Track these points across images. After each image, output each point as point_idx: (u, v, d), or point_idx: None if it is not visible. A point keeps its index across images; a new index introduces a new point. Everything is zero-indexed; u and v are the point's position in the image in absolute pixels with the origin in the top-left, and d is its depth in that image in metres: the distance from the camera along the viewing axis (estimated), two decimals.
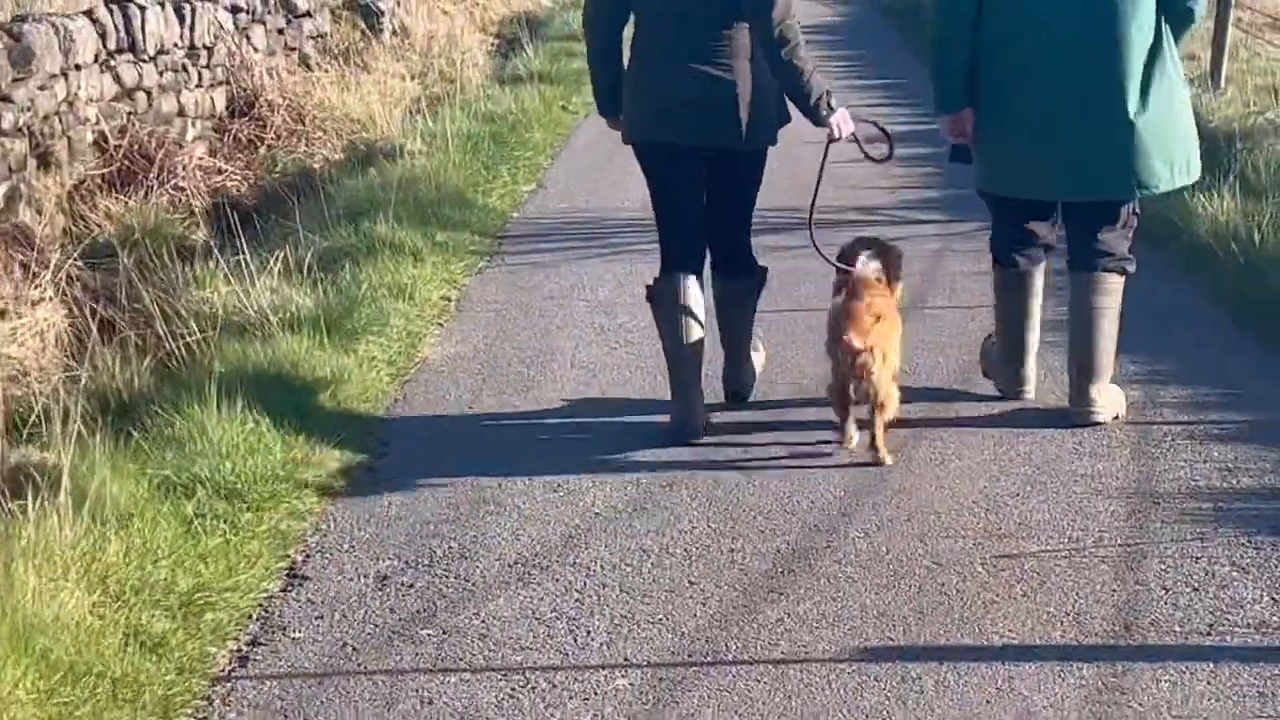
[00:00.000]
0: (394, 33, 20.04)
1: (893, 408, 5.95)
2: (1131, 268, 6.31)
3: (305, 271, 8.52)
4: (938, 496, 5.73)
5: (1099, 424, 6.25)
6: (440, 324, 8.25)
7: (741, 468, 6.05)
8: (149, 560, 5.09)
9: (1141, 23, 5.99)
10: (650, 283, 6.53)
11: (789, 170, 8.60)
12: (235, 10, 14.96)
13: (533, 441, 6.44)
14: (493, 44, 21.66)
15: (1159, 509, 5.56)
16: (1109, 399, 6.30)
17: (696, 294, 6.34)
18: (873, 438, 5.94)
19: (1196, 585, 4.95)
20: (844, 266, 6.18)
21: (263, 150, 13.93)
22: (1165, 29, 6.06)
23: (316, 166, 13.55)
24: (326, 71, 16.66)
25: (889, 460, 5.93)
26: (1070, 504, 5.62)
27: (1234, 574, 5.03)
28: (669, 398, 6.39)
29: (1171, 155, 6.12)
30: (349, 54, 17.81)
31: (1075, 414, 6.28)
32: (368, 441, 6.47)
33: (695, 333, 6.30)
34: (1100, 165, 6.08)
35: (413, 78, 17.80)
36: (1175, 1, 6.06)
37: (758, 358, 6.85)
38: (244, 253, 8.82)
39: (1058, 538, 5.34)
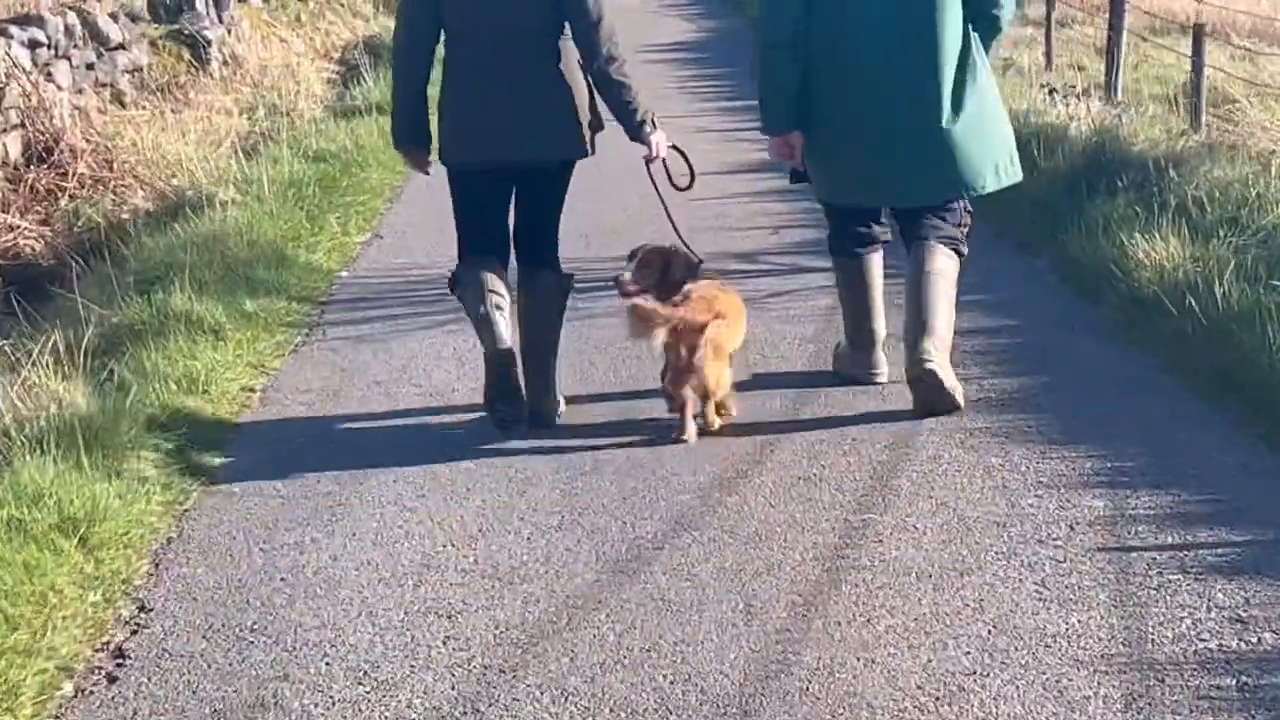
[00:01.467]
0: (224, 62, 18.43)
1: (723, 394, 6.21)
2: (964, 249, 6.47)
3: (82, 359, 6.98)
4: (868, 680, 4.30)
5: (935, 378, 6.12)
6: (235, 427, 6.73)
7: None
8: None
9: (952, 34, 6.22)
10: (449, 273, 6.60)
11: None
12: (34, 45, 13.32)
13: (337, 612, 4.92)
14: (335, 72, 20.09)
15: (1165, 690, 4.16)
16: (945, 360, 6.22)
17: (499, 283, 6.35)
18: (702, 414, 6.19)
19: None
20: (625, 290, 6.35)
21: (64, 201, 12.31)
22: (974, 38, 6.30)
23: (125, 218, 11.98)
24: (143, 109, 15.08)
25: (717, 425, 6.20)
26: (1046, 685, 4.22)
27: None
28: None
29: (993, 157, 6.38)
30: (169, 88, 16.21)
31: (911, 371, 6.20)
32: (120, 607, 4.96)
33: (505, 303, 6.31)
34: (923, 174, 6.35)
35: (241, 112, 16.24)
36: (983, 13, 6.31)
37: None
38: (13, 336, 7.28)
39: None
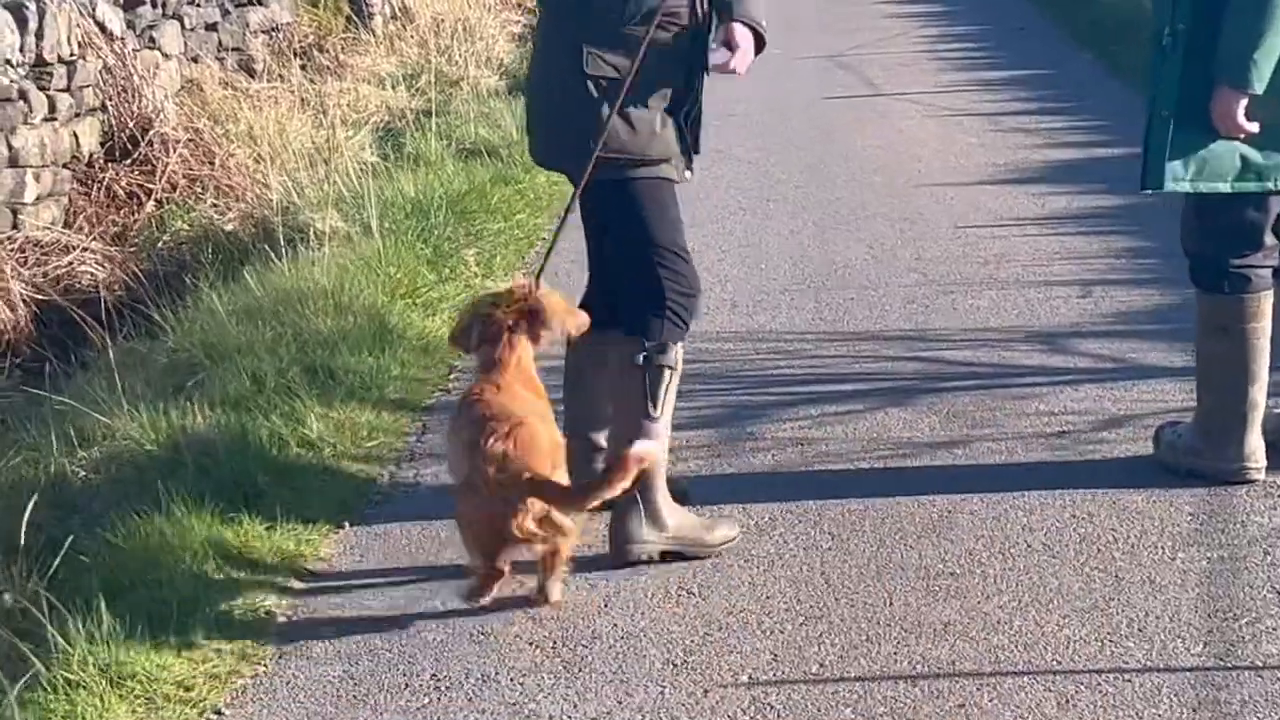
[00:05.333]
0: (392, 17, 15.70)
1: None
2: None
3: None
4: None
5: None
6: None
7: None
8: None
9: None
10: None
11: None
12: (131, 5, 10.67)
13: None
14: (525, 25, 17.15)
15: None
16: None
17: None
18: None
19: None
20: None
21: (149, 207, 9.67)
22: None
23: (229, 229, 9.32)
24: (283, 80, 12.39)
25: None
26: None
27: None
28: None
29: None
30: (313, 52, 13.52)
31: None
32: None
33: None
34: None
35: (403, 80, 13.49)
36: None
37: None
38: None
39: None
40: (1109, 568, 4.43)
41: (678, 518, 4.62)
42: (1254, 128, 4.65)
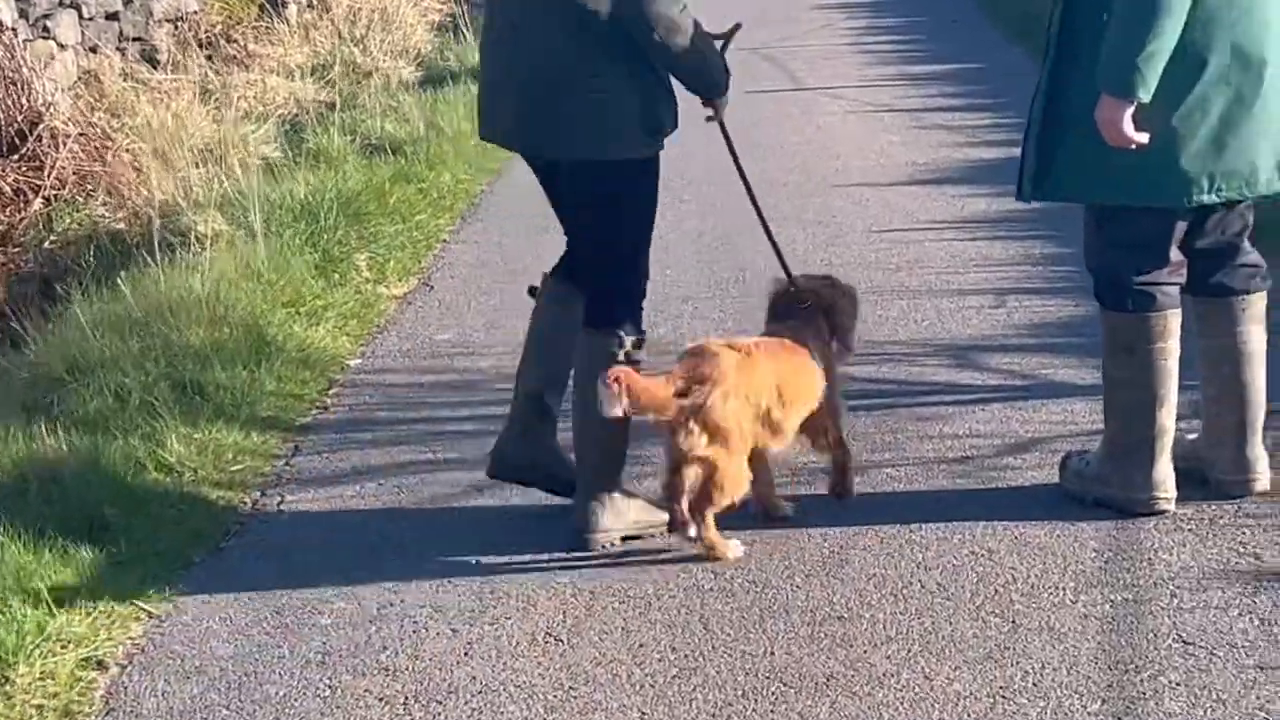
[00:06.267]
0: (309, 5, 15.31)
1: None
2: None
3: None
4: None
5: None
6: None
7: None
8: None
9: None
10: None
11: None
12: None
13: None
14: (447, 15, 16.74)
15: None
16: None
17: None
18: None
19: None
20: None
21: (36, 205, 9.28)
22: None
23: (121, 228, 8.94)
24: (186, 72, 12.02)
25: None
26: None
27: None
28: None
29: None
30: (220, 41, 13.12)
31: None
32: None
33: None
34: None
35: (313, 72, 13.12)
36: None
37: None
38: None
39: None
40: (1006, 612, 4.14)
41: (636, 505, 4.64)
42: (1142, 138, 4.36)
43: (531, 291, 4.84)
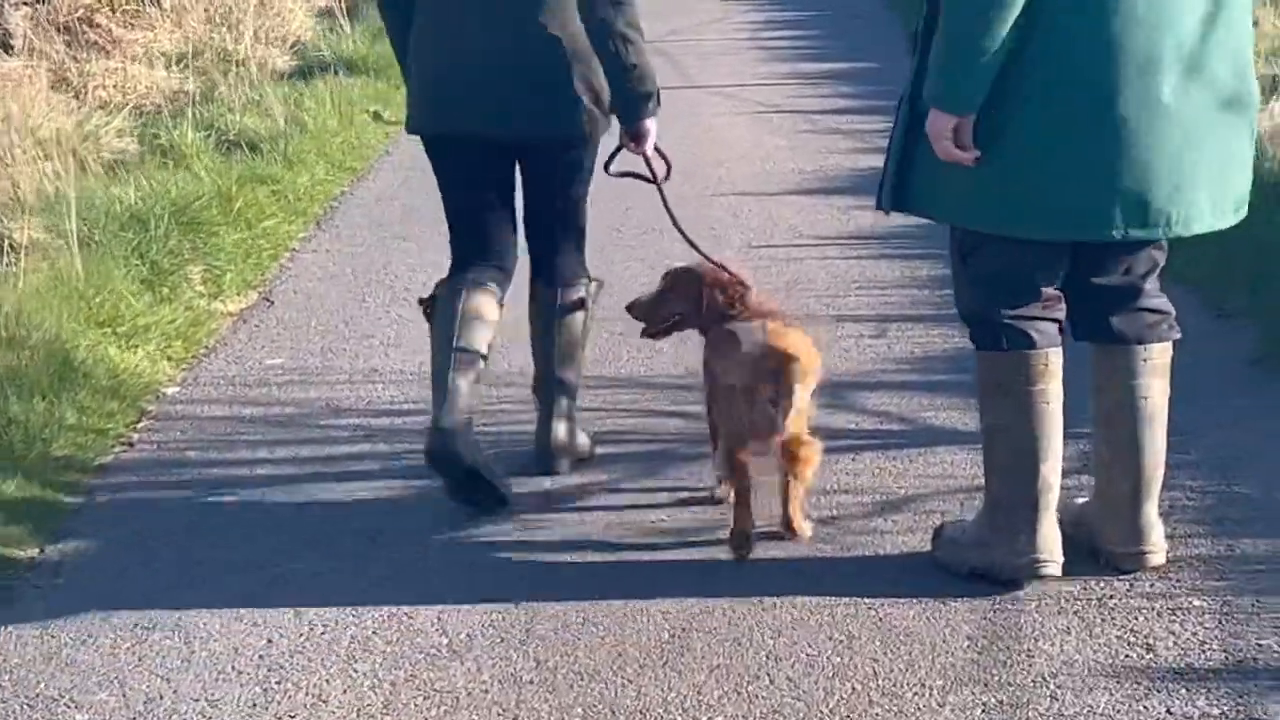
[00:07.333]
0: None
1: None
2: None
3: None
4: None
5: None
6: None
7: None
8: None
9: None
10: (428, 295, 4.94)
11: None
12: None
13: None
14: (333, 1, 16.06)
15: None
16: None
17: (479, 323, 4.76)
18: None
19: None
20: None
21: None
22: None
23: None
24: (43, 58, 11.33)
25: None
26: None
27: None
28: None
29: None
30: (82, 26, 12.42)
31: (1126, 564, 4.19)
32: None
33: (477, 337, 4.73)
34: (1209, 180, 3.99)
35: (179, 60, 12.44)
36: None
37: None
38: None
39: None
40: (864, 717, 3.61)
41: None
42: (967, 157, 3.86)
43: (423, 304, 4.93)
